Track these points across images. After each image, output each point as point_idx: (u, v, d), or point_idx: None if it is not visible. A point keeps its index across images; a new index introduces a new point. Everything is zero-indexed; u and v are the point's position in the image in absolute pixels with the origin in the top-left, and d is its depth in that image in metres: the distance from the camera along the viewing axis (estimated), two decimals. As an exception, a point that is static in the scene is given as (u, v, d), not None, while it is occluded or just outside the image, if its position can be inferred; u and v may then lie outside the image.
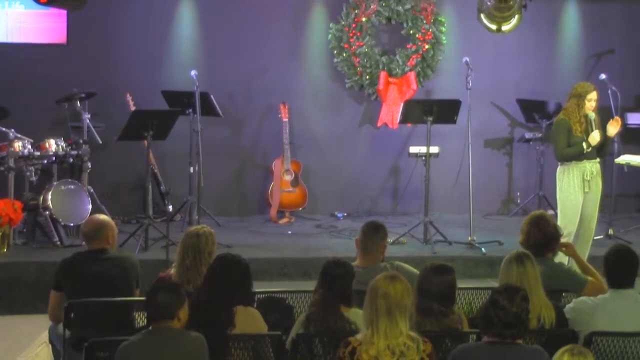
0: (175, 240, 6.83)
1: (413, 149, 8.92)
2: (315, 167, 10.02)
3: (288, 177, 9.61)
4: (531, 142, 9.97)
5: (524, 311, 3.99)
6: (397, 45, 10.02)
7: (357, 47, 9.83)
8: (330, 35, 9.91)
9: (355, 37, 9.84)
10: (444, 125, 8.76)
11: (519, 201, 10.27)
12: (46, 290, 5.42)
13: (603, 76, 8.88)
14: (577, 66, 10.30)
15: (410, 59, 9.88)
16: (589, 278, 5.23)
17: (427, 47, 9.90)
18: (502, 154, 10.35)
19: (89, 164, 8.55)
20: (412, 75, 9.82)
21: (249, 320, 4.45)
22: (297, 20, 9.96)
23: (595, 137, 7.26)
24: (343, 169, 10.10)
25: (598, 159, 7.44)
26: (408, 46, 9.94)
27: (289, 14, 9.95)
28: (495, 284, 5.00)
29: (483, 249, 8.11)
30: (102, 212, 7.62)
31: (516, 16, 8.14)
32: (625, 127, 9.64)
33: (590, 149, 7.28)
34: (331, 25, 9.91)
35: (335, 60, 9.93)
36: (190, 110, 8.64)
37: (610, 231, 8.67)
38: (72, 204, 8.14)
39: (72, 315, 4.96)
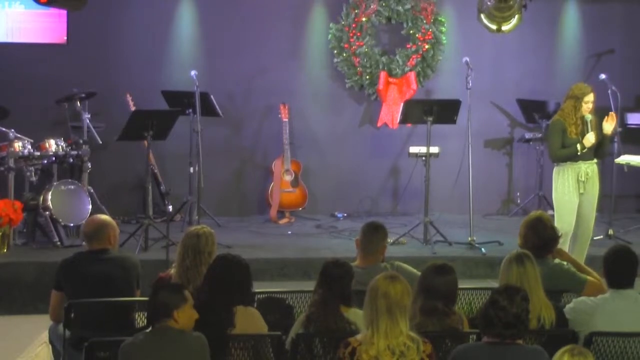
0: (175, 241, 6.82)
1: (413, 149, 8.91)
2: (315, 167, 10.02)
3: (288, 177, 9.61)
4: (531, 142, 9.96)
5: (524, 311, 3.99)
6: (397, 45, 10.02)
7: (357, 47, 9.83)
8: (330, 35, 9.91)
9: (355, 37, 9.84)
10: (444, 126, 8.76)
11: (519, 201, 10.26)
12: (46, 291, 5.43)
13: (603, 76, 8.86)
14: (577, 66, 10.29)
15: (410, 59, 9.88)
16: (589, 278, 5.22)
17: (427, 47, 9.90)
18: (502, 154, 10.35)
19: (89, 164, 8.55)
20: (412, 75, 9.82)
21: (249, 320, 4.45)
22: (297, 20, 9.95)
23: (590, 139, 7.22)
24: (343, 169, 10.10)
25: (595, 160, 7.40)
26: (408, 46, 9.94)
27: (289, 14, 9.94)
28: (495, 284, 5.00)
29: (483, 249, 8.11)
30: (102, 212, 7.61)
31: (516, 16, 8.15)
32: (625, 127, 9.66)
33: (585, 150, 7.25)
34: (331, 25, 9.91)
35: (335, 60, 9.92)
36: (190, 110, 8.63)
37: (610, 231, 8.65)
38: (72, 204, 8.13)
39: (72, 315, 4.96)
